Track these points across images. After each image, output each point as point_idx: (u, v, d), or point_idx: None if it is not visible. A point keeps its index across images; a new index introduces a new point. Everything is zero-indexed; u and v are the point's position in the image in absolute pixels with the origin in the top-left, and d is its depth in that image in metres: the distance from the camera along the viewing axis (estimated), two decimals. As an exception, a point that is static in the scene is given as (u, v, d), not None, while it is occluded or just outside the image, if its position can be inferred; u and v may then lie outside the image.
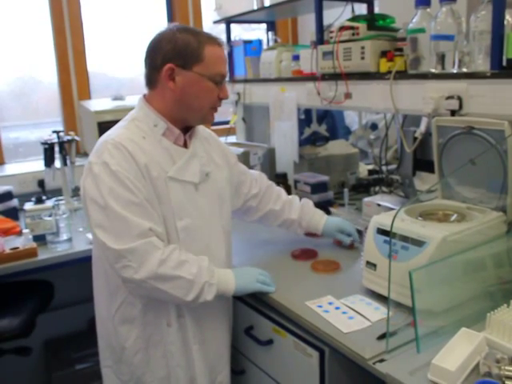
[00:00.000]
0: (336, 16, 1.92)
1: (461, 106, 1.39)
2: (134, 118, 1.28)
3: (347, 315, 1.23)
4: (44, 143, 2.20)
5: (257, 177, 1.62)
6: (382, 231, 1.27)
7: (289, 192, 1.89)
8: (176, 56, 1.21)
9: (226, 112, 2.81)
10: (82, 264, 1.69)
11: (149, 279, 1.16)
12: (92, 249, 1.35)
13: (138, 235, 1.15)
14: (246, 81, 2.49)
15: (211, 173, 1.36)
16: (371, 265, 1.30)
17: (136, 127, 1.26)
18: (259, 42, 2.51)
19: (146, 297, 1.27)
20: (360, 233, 1.65)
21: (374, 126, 2.36)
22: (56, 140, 2.23)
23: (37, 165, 2.47)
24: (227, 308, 1.44)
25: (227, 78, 1.27)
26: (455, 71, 1.44)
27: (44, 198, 2.06)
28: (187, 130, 1.33)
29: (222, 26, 2.60)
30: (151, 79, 1.27)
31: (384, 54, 1.65)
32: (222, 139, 2.32)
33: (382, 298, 1.26)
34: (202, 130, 1.42)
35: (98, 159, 1.19)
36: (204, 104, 1.26)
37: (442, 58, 1.44)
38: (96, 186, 1.17)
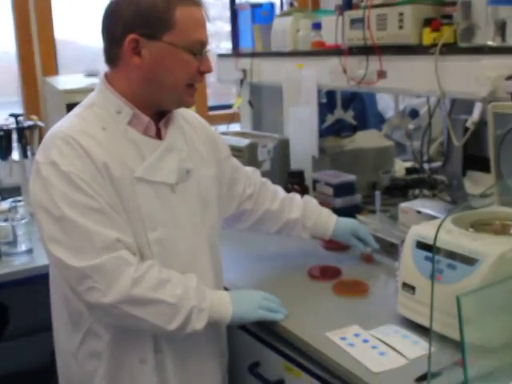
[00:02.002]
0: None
1: (525, 89, 1.39)
2: (92, 103, 1.28)
3: (378, 350, 1.24)
4: (-2, 130, 2.21)
5: (250, 174, 1.65)
6: (422, 245, 1.29)
7: (306, 194, 1.92)
8: (139, 23, 1.20)
9: (228, 94, 2.85)
10: (44, 282, 1.65)
11: (120, 303, 1.17)
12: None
13: (103, 248, 1.16)
14: (253, 55, 2.51)
15: (193, 170, 1.37)
16: (409, 287, 1.31)
17: (94, 115, 1.26)
18: (271, 5, 2.52)
19: (115, 326, 1.28)
20: (395, 247, 1.67)
21: (413, 113, 2.36)
22: (14, 126, 2.24)
23: (-11, 157, 2.46)
24: (219, 339, 1.46)
25: (208, 47, 1.28)
26: (519, 44, 1.44)
27: (-2, 198, 2.03)
28: (162, 116, 1.34)
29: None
30: (111, 55, 1.27)
31: (428, 22, 1.66)
32: (223, 128, 2.38)
33: (422, 330, 1.27)
34: (184, 114, 1.42)
35: (45, 158, 1.19)
36: (179, 81, 1.26)
37: (501, 28, 1.44)
38: (46, 191, 1.17)
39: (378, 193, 1.99)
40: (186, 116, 1.44)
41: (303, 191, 2.03)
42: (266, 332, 1.43)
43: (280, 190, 1.71)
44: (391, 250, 1.71)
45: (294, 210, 1.66)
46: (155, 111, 1.31)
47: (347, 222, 1.69)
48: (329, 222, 1.67)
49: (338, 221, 1.67)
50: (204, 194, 1.40)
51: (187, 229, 1.33)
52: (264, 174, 1.76)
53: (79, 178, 1.17)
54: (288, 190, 1.82)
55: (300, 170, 2.21)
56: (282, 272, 1.69)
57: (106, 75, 1.30)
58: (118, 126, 1.26)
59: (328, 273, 1.65)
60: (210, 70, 1.28)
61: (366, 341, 1.27)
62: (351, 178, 2.14)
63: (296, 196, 1.70)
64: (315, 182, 2.20)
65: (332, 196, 2.10)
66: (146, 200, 1.25)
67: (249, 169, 1.68)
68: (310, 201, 1.71)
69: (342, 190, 2.10)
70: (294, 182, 2.09)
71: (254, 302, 1.35)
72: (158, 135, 1.33)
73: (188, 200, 1.35)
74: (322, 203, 1.78)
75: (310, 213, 1.67)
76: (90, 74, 2.59)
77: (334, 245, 1.79)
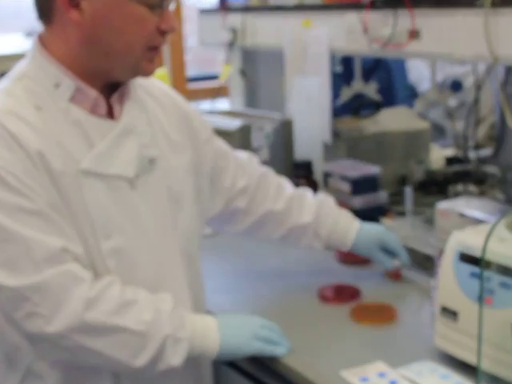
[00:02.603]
0: None
1: None
2: (22, 74, 1.28)
3: (409, 395, 1.24)
4: None
5: (244, 162, 1.66)
6: (467, 258, 1.28)
7: (315, 191, 1.88)
8: None
9: (213, 60, 2.87)
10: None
11: (70, 332, 1.17)
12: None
13: (44, 261, 1.16)
14: (246, 9, 2.51)
15: (159, 159, 1.37)
16: (449, 313, 1.31)
17: (24, 91, 1.25)
18: None
19: (64, 364, 1.28)
20: (431, 261, 1.67)
21: (456, 86, 2.39)
22: None
23: None
24: (202, 379, 1.47)
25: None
26: None
27: None
28: (114, 89, 1.33)
29: None
30: (42, 8, 1.26)
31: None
32: (207, 105, 2.43)
33: (467, 368, 1.26)
34: (146, 86, 1.43)
35: None
36: (133, 42, 1.25)
37: None
38: None
39: (408, 189, 1.98)
40: (150, 88, 1.44)
41: (311, 186, 2.02)
42: (263, 371, 1.43)
43: (286, 183, 1.72)
44: (426, 264, 1.73)
45: (304, 211, 1.68)
46: (105, 83, 1.31)
47: (373, 230, 1.70)
48: (349, 229, 1.68)
49: (362, 228, 1.68)
50: (175, 190, 1.41)
51: (153, 235, 1.35)
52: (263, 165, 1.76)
53: (8, 173, 1.17)
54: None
55: (307, 161, 2.20)
56: (286, 292, 1.70)
57: (40, 37, 1.29)
58: (56, 103, 1.25)
59: (344, 294, 1.66)
60: (172, 29, 1.28)
61: (393, 382, 1.27)
62: (374, 170, 2.14)
63: (307, 193, 1.71)
64: (327, 175, 2.19)
65: (349, 194, 2.09)
66: (97, 199, 1.25)
67: (243, 155, 1.68)
68: (326, 200, 1.72)
69: (363, 185, 2.10)
70: (300, 175, 2.09)
71: (249, 330, 1.36)
72: (111, 114, 1.32)
73: (153, 198, 1.36)
74: (336, 203, 1.79)
75: (326, 216, 1.68)
76: (32, 34, 2.58)
77: (352, 257, 1.80)
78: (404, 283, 1.72)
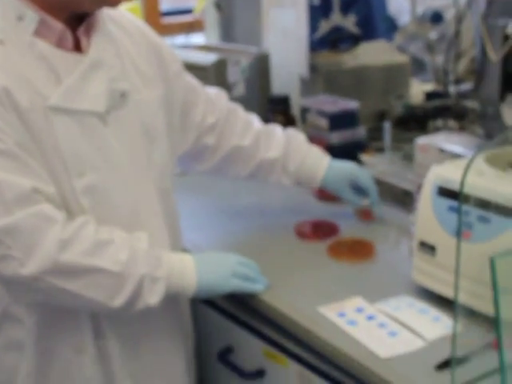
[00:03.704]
0: None
1: None
2: None
3: (387, 330, 1.25)
4: None
5: (213, 98, 1.65)
6: (446, 192, 1.29)
7: (292, 126, 1.90)
8: None
9: (186, -8, 2.76)
10: None
11: (45, 274, 1.17)
12: None
13: (15, 202, 1.15)
14: None
15: (131, 93, 1.35)
16: (427, 247, 1.32)
17: None
18: None
19: (40, 306, 1.29)
20: (409, 196, 1.68)
21: (436, 18, 2.35)
22: None
23: None
24: (181, 318, 1.48)
25: None
26: None
27: None
28: (81, 21, 1.30)
29: None
30: None
31: None
32: (181, 40, 2.46)
33: (445, 302, 1.28)
34: (115, 17, 1.40)
35: None
36: None
37: None
38: None
39: (387, 125, 1.98)
40: (118, 19, 1.41)
41: (288, 123, 2.03)
42: (241, 308, 1.44)
43: (254, 119, 1.71)
44: (405, 199, 1.73)
45: (272, 147, 1.67)
46: (71, 15, 1.27)
47: (344, 167, 1.70)
48: (319, 165, 1.68)
49: (331, 165, 1.68)
50: (148, 124, 1.39)
51: (127, 171, 1.34)
52: (237, 101, 1.75)
53: None
54: (268, 122, 1.81)
55: (284, 96, 2.19)
56: (262, 230, 1.71)
57: None
58: (20, 37, 1.22)
59: (322, 230, 1.67)
60: None
61: (371, 317, 1.29)
62: (353, 105, 2.13)
63: (276, 129, 1.71)
64: (305, 110, 2.17)
65: (327, 130, 2.07)
66: (67, 136, 1.24)
67: (211, 90, 1.67)
68: (295, 136, 1.72)
69: (341, 121, 2.09)
70: (277, 110, 2.08)
71: (226, 268, 1.36)
72: (78, 48, 1.30)
73: (126, 133, 1.34)
74: (314, 139, 1.79)
75: (294, 152, 1.68)
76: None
77: (329, 194, 1.80)
78: (382, 220, 1.74)
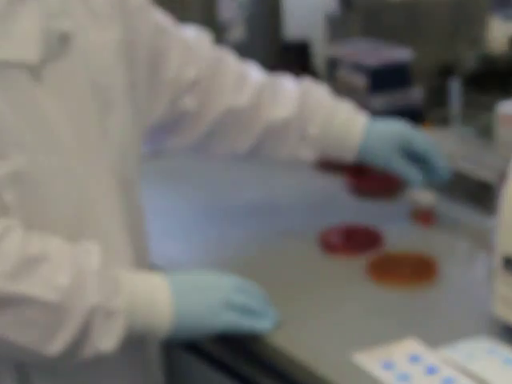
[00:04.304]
0: None
1: None
2: None
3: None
4: None
5: (192, 42, 1.50)
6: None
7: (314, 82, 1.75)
8: None
9: None
10: None
11: None
12: None
13: None
14: None
15: (76, 35, 1.20)
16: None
17: None
18: None
19: None
20: (488, 190, 1.48)
21: None
22: None
23: None
24: (148, 369, 1.33)
25: None
26: None
27: None
28: None
29: None
30: None
31: None
32: None
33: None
34: None
35: None
36: None
37: None
38: None
39: (455, 84, 1.80)
40: None
41: (310, 75, 1.88)
42: (237, 356, 1.27)
43: (253, 69, 1.55)
44: (481, 195, 1.52)
45: (280, 104, 1.50)
46: None
47: (389, 128, 1.51)
48: (353, 125, 1.49)
49: (371, 126, 1.49)
50: (102, 81, 1.24)
51: (71, 152, 1.18)
52: (234, 49, 1.56)
53: None
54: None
55: (302, 42, 2.06)
56: (270, 238, 1.52)
57: None
58: None
59: (359, 240, 1.47)
60: None
61: (432, 370, 1.11)
62: (404, 55, 1.92)
63: (285, 80, 1.54)
64: (333, 63, 1.98)
65: (366, 90, 1.89)
66: None
67: (190, 33, 1.51)
68: (315, 88, 1.52)
69: (387, 78, 1.89)
70: (292, 63, 1.89)
71: (217, 296, 1.19)
72: None
73: (68, 95, 1.19)
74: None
75: (314, 109, 1.50)
76: None
77: (369, 184, 1.62)
78: (449, 225, 1.52)
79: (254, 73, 1.53)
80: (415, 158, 1.51)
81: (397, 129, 1.52)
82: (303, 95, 1.51)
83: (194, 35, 1.52)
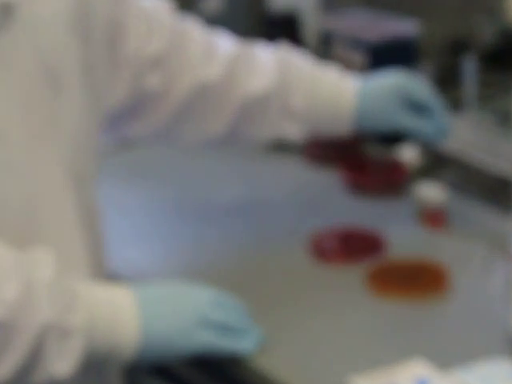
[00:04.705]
0: None
1: None
2: None
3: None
4: None
5: (152, 12, 1.41)
6: None
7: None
8: None
9: None
10: None
11: None
12: None
13: None
14: None
15: (19, 5, 1.11)
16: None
17: None
18: None
19: None
20: (507, 187, 1.43)
21: None
22: None
23: None
24: None
25: None
26: None
27: None
28: None
29: None
30: None
31: None
32: None
33: None
34: None
35: None
36: None
37: None
38: None
39: (470, 62, 1.71)
40: None
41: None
42: (214, 382, 1.21)
43: (223, 39, 1.45)
44: (499, 192, 1.47)
45: (256, 75, 1.41)
46: None
47: (385, 82, 1.43)
48: (343, 89, 1.42)
49: (363, 85, 1.42)
50: (49, 61, 1.15)
51: (15, 144, 1.11)
52: (209, 22, 1.46)
53: None
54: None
55: (290, 13, 1.97)
56: (255, 243, 1.44)
57: None
58: None
59: (357, 245, 1.40)
60: None
61: None
62: (409, 28, 1.84)
63: (260, 49, 1.45)
64: (327, 38, 1.88)
65: (365, 68, 1.75)
66: None
67: (147, 2, 1.41)
68: (293, 55, 1.45)
69: (389, 55, 1.77)
70: (277, 36, 1.79)
71: (191, 311, 1.13)
72: None
73: (11, 76, 1.11)
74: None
75: (296, 77, 1.42)
76: None
77: (368, 179, 1.55)
78: (461, 227, 1.43)
79: (224, 43, 1.46)
80: (417, 109, 1.44)
81: (392, 82, 1.45)
82: (282, 63, 1.43)
83: (152, 3, 1.45)
